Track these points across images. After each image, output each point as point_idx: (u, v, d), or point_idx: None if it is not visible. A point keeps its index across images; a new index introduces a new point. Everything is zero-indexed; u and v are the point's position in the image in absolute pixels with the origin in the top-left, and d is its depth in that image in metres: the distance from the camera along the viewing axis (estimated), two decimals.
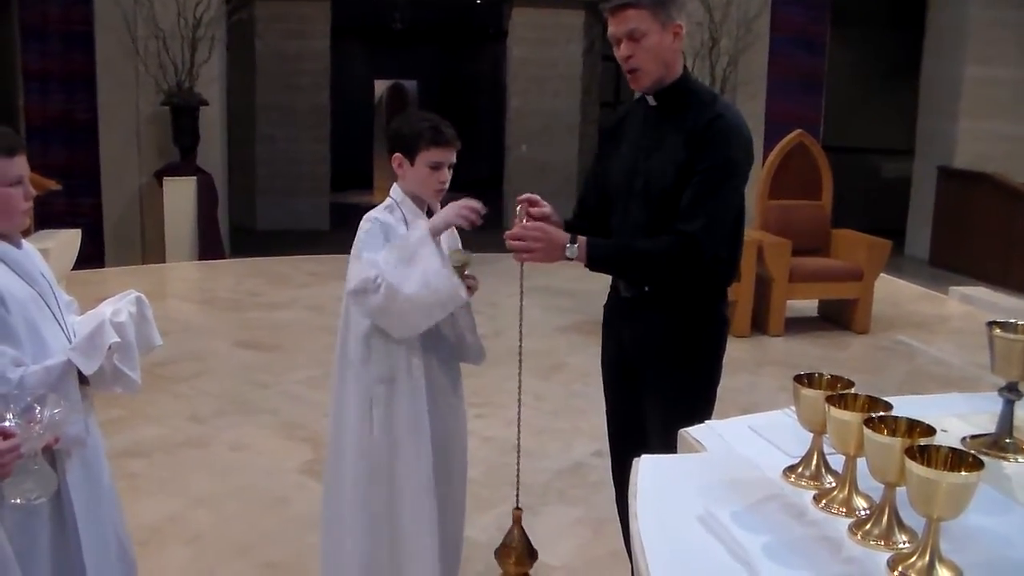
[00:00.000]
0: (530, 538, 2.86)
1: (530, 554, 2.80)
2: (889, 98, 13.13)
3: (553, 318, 7.74)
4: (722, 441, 2.05)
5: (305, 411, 5.47)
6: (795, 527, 1.67)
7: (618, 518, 3.10)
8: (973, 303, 8.54)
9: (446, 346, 3.11)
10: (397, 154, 2.90)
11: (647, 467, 1.86)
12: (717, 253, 2.69)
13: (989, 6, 11.15)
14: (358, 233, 2.90)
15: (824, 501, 1.76)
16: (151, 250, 10.17)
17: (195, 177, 9.80)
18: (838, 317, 7.73)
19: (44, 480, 2.12)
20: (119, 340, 2.31)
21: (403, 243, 2.79)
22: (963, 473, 1.50)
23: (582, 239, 2.62)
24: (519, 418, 2.95)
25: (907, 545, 1.60)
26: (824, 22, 11.29)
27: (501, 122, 14.78)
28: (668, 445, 2.80)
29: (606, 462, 4.78)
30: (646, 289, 2.84)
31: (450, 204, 2.86)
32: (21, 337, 2.28)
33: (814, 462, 1.87)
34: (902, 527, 1.63)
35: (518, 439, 2.99)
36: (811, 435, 1.88)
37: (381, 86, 16.38)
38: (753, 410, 2.74)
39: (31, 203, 2.38)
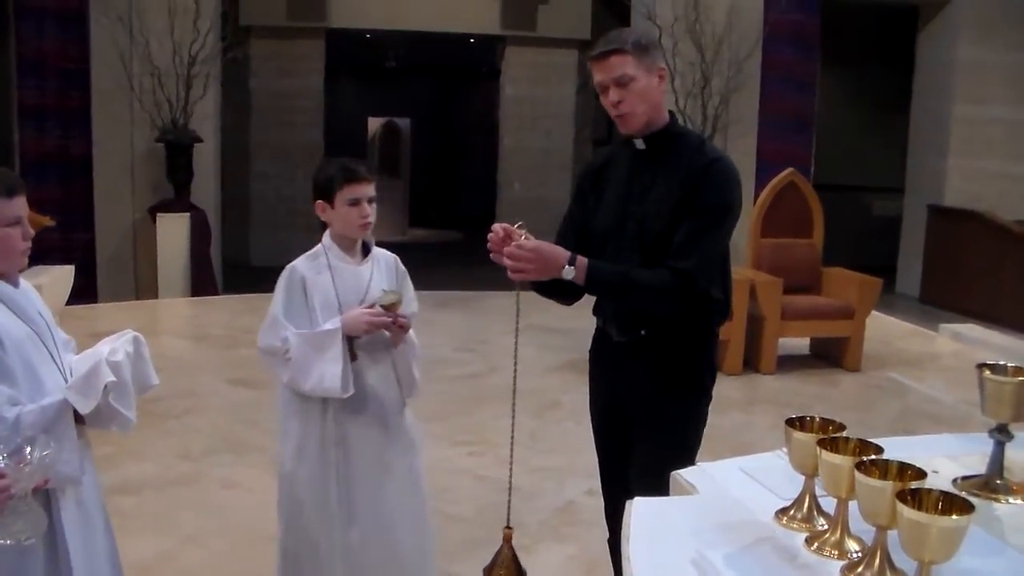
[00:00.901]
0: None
1: (519, 573, 2.78)
2: (879, 137, 13.25)
3: (547, 356, 7.73)
4: (714, 483, 2.07)
5: None
6: (787, 570, 1.68)
7: (610, 558, 3.09)
8: (963, 341, 8.56)
9: (375, 402, 3.16)
10: (319, 201, 3.06)
11: (640, 509, 1.87)
12: (708, 290, 2.71)
13: (978, 46, 11.30)
14: (279, 280, 3.10)
15: (816, 544, 1.77)
16: (144, 286, 10.18)
17: (189, 214, 9.83)
18: (829, 355, 7.75)
19: (35, 521, 2.11)
20: (115, 379, 2.32)
21: (318, 334, 2.97)
22: (953, 517, 1.51)
23: (582, 260, 2.62)
24: (512, 433, 2.92)
25: None
26: (814, 62, 11.40)
27: (494, 160, 14.86)
28: (656, 488, 2.82)
29: (599, 501, 4.76)
30: (642, 333, 2.84)
31: (366, 313, 2.98)
32: (17, 376, 2.29)
33: (806, 504, 1.88)
34: (894, 570, 1.64)
35: (511, 458, 2.92)
36: (803, 478, 1.89)
37: (375, 124, 16.47)
38: (746, 449, 2.76)
39: (29, 243, 2.40)
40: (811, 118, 11.64)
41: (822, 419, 1.90)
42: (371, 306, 3.00)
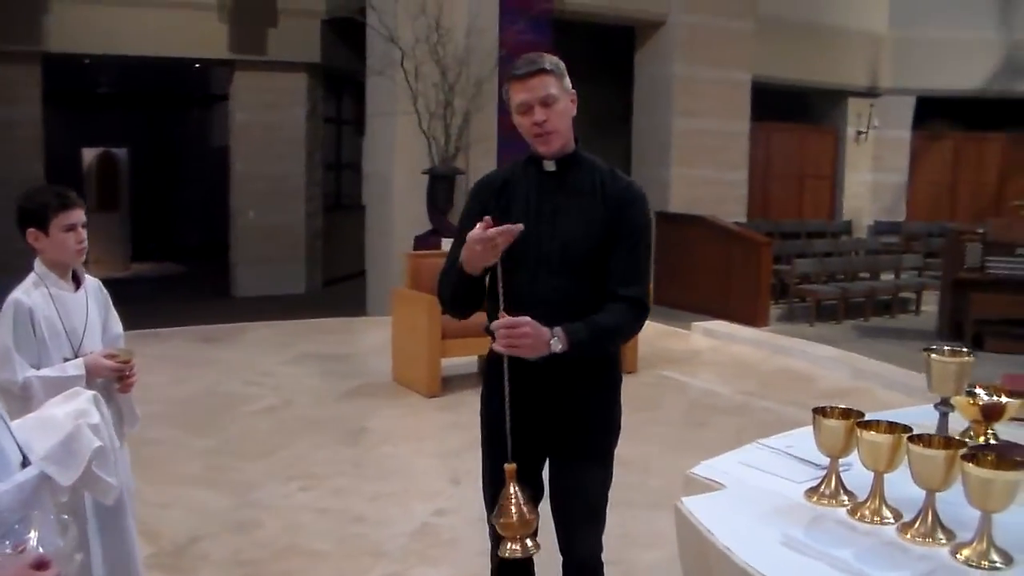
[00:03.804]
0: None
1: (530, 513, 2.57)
2: (605, 149, 14.03)
3: (334, 383, 7.67)
4: (730, 477, 2.25)
5: None
6: (857, 537, 1.90)
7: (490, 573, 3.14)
8: (716, 336, 9.32)
9: None
10: (31, 229, 3.03)
11: (698, 507, 2.02)
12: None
13: (690, 63, 12.34)
14: (2, 312, 3.03)
15: (859, 513, 1.99)
16: None
17: None
18: None
19: None
20: (101, 444, 2.16)
21: (62, 379, 2.93)
22: (1013, 472, 1.76)
23: (559, 330, 2.65)
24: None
25: (944, 541, 1.86)
26: None
27: (220, 188, 14.42)
28: (601, 490, 2.95)
29: (451, 520, 4.89)
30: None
31: (107, 364, 3.07)
32: None
33: (833, 483, 2.10)
34: (942, 526, 1.88)
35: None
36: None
37: (89, 155, 15.47)
38: None
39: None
40: None
41: (842, 408, 2.11)
42: (112, 356, 3.10)
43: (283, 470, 5.64)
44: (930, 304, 11.49)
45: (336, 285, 14.31)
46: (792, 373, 8.22)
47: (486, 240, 2.63)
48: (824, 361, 8.32)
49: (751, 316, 10.60)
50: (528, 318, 2.60)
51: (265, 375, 7.96)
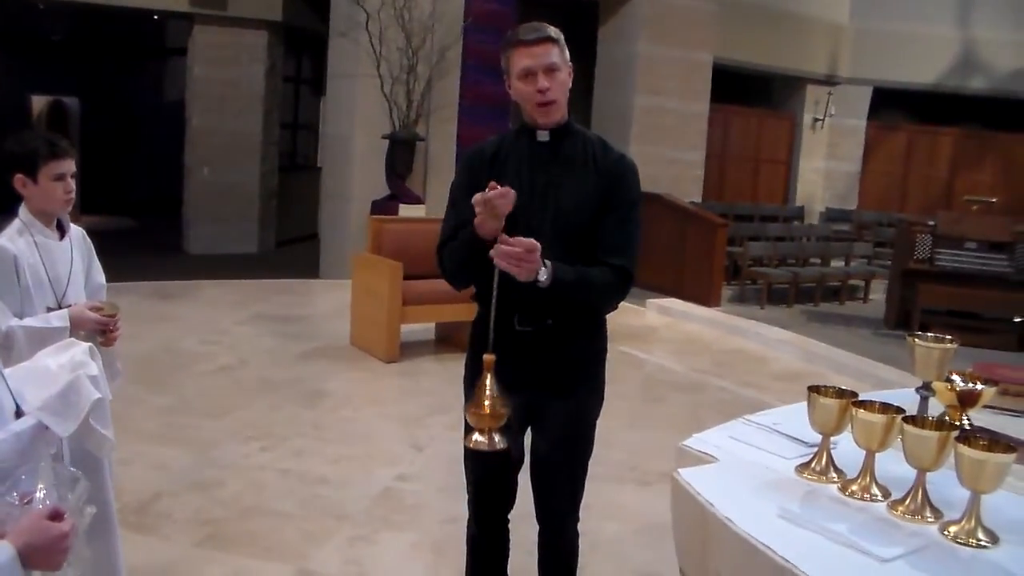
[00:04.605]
0: None
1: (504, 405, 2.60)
2: None
3: (290, 345, 7.63)
4: (722, 451, 2.29)
5: None
6: (850, 512, 1.96)
7: (464, 540, 3.18)
8: (670, 314, 9.42)
9: None
10: (18, 175, 2.99)
11: (695, 478, 2.06)
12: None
13: (653, 43, 12.37)
14: None
15: (849, 490, 2.05)
16: None
17: None
18: None
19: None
20: (100, 396, 2.15)
21: (46, 330, 2.87)
22: (1004, 454, 1.83)
23: (549, 262, 2.67)
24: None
25: (932, 519, 1.93)
26: None
27: (174, 143, 14.20)
28: (583, 450, 3.01)
29: (414, 486, 4.93)
30: (548, 322, 2.92)
31: (92, 317, 3.00)
32: None
33: (824, 459, 2.16)
34: (930, 505, 1.95)
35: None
36: (818, 437, 2.17)
37: (39, 103, 15.10)
38: None
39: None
40: (507, 105, 12.16)
41: (837, 388, 2.17)
42: (97, 309, 3.04)
43: (242, 430, 5.62)
44: (878, 292, 11.73)
45: (288, 246, 14.21)
46: (745, 353, 8.34)
47: (478, 203, 2.63)
48: (776, 343, 8.46)
49: (704, 296, 10.72)
50: (535, 243, 2.59)
51: (221, 334, 7.90)
